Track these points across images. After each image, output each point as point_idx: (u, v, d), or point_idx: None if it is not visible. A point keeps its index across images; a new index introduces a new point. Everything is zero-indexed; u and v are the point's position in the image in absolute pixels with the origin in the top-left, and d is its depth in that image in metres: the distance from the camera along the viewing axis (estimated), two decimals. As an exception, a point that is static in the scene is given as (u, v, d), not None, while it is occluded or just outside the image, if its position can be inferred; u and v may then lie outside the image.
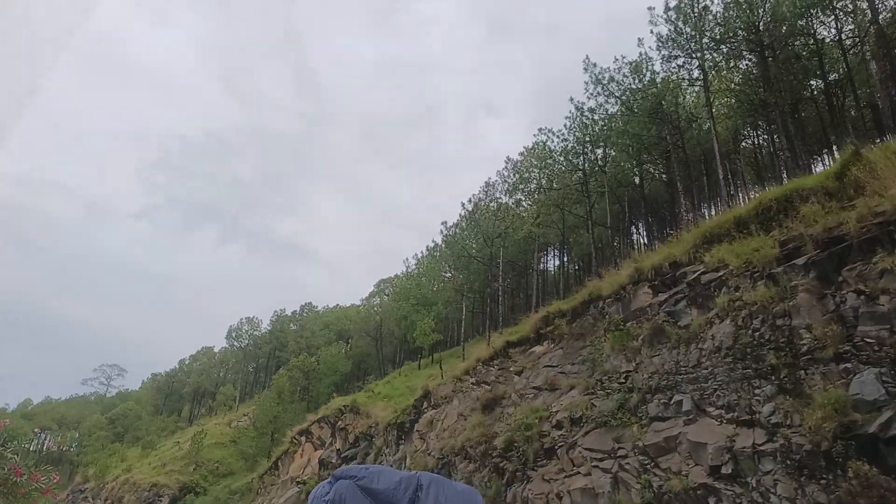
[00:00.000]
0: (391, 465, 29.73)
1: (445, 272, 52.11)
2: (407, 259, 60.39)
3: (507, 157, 44.70)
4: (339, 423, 42.16)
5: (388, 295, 66.33)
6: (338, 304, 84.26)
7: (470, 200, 43.53)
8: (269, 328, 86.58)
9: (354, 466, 1.73)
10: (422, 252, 60.15)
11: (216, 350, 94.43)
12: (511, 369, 23.73)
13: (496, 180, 43.46)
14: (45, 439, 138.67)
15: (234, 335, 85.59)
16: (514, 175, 44.83)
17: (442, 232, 54.22)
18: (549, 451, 17.75)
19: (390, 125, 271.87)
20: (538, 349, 22.57)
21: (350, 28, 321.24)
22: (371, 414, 39.69)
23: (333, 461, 40.73)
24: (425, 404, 30.23)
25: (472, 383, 26.36)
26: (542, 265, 44.77)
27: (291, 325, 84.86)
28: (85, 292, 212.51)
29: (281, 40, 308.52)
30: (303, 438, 44.73)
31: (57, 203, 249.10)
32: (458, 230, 45.48)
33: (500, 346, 25.75)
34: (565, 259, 44.62)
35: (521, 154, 45.15)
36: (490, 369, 25.79)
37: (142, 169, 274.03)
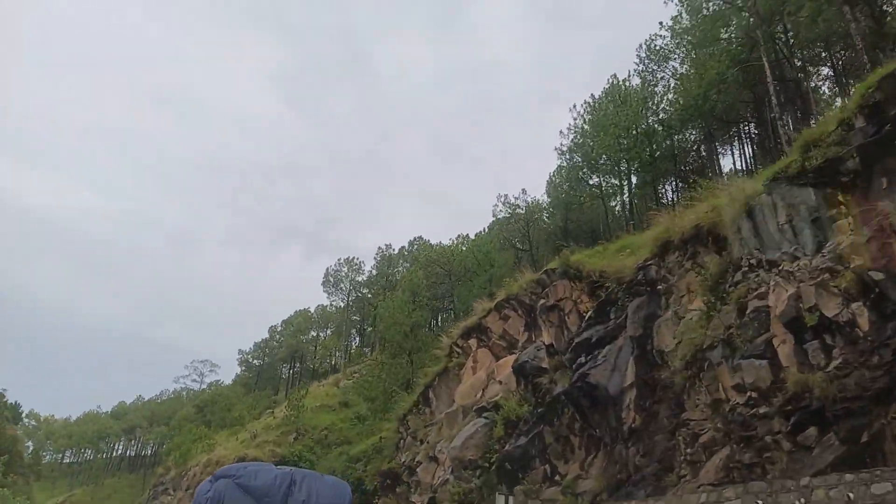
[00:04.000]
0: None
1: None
2: (574, 106, 39.18)
3: None
4: (544, 301, 22.40)
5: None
6: (461, 234, 64.58)
7: None
8: (373, 271, 68.36)
9: (233, 465, 1.75)
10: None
11: (312, 310, 77.00)
12: None
13: None
14: (138, 441, 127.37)
15: (331, 281, 67.69)
16: None
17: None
18: None
19: (459, 129, 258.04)
20: None
21: (410, 40, 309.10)
22: (622, 267, 19.59)
23: (543, 363, 21.08)
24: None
25: None
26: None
27: (401, 263, 66.13)
28: (178, 316, 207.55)
29: (344, 59, 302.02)
30: (472, 343, 25.30)
31: (150, 237, 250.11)
32: None
33: None
34: None
35: None
36: None
37: (225, 198, 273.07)
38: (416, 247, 66.37)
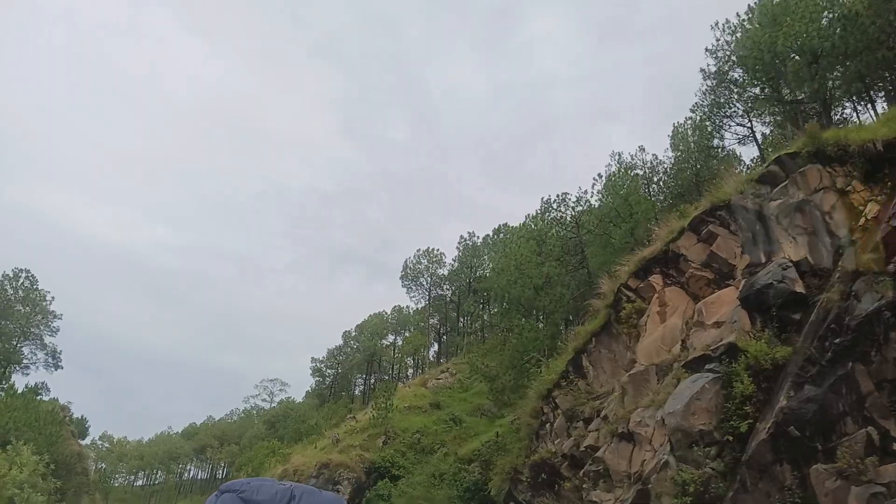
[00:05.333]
0: None
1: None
2: (716, 24, 31.71)
3: None
4: (782, 200, 15.23)
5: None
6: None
7: None
8: (453, 264, 61.78)
9: (237, 481, 1.78)
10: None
11: (388, 312, 70.70)
12: None
13: None
14: (210, 463, 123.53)
15: (409, 275, 61.38)
16: None
17: None
18: None
19: (509, 148, 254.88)
20: None
21: (460, 61, 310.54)
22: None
23: (795, 286, 13.79)
24: None
25: None
26: None
27: (486, 252, 59.33)
28: (245, 344, 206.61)
29: (396, 85, 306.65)
30: (654, 282, 18.11)
31: (215, 266, 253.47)
32: None
33: None
34: None
35: None
36: None
37: (286, 225, 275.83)
38: (501, 234, 59.42)
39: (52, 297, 60.10)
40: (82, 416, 73.79)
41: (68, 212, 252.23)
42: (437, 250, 61.63)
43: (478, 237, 60.47)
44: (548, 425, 20.48)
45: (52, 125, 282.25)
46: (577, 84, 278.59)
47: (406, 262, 60.81)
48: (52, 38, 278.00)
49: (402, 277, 60.99)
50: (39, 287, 59.19)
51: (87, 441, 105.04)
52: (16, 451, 30.20)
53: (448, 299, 63.88)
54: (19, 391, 48.96)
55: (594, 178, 31.05)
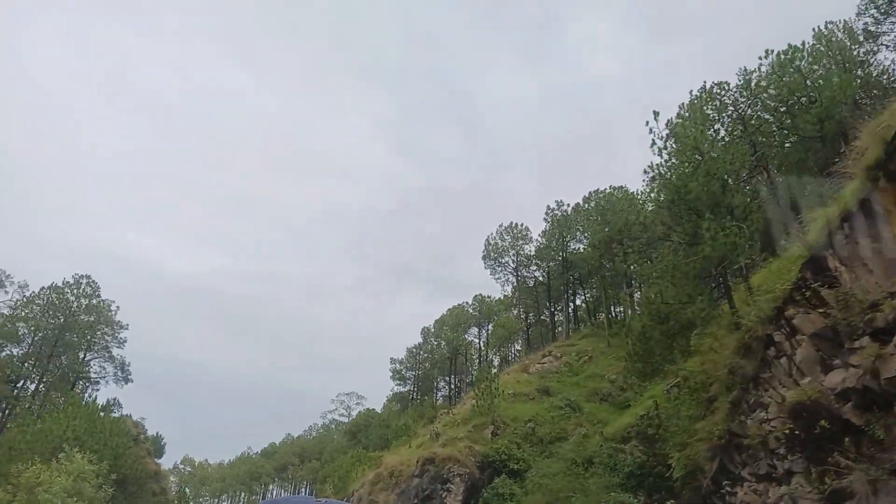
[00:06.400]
0: None
1: None
2: None
3: None
4: None
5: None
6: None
7: None
8: (541, 240, 55.18)
9: (274, 498, 1.74)
10: None
11: (469, 303, 64.45)
12: None
13: None
14: (292, 481, 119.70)
15: (491, 254, 55.06)
16: None
17: None
18: None
19: (563, 152, 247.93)
20: None
21: (507, 71, 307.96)
22: None
23: None
24: None
25: None
26: None
27: (579, 223, 52.51)
28: (316, 364, 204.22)
29: (445, 100, 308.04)
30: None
31: (282, 291, 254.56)
32: None
33: None
34: None
35: None
36: None
37: (348, 246, 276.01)
38: (593, 202, 52.35)
39: (118, 307, 56.66)
40: (157, 434, 70.39)
41: (137, 245, 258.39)
42: (522, 224, 55.10)
43: (567, 206, 53.64)
44: (783, 360, 13.69)
45: (114, 164, 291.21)
46: (629, 82, 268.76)
47: (488, 239, 54.48)
48: (112, 81, 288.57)
49: (483, 257, 54.67)
50: (103, 296, 55.84)
51: (170, 465, 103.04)
52: (68, 458, 25.47)
53: (538, 280, 57.19)
54: (83, 403, 45.04)
55: (759, 59, 23.89)
